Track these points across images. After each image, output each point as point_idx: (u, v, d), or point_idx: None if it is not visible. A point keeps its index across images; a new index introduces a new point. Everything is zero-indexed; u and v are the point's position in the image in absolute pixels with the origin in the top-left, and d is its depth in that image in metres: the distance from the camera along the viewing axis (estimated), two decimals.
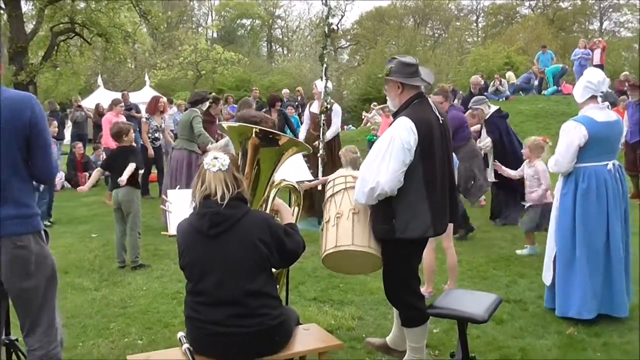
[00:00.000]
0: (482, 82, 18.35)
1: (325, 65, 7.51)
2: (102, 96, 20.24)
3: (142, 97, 21.08)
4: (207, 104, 8.52)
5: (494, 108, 8.27)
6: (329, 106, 7.61)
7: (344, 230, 3.60)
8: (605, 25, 44.56)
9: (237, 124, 3.26)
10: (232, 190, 2.80)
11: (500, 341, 4.24)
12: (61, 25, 14.22)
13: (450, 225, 5.15)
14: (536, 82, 18.40)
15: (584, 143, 4.43)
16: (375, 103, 18.87)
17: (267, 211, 3.22)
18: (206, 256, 2.79)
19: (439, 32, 50.26)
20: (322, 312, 4.81)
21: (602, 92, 4.58)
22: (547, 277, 4.79)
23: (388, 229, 3.45)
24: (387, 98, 3.70)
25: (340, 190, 3.74)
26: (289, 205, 3.58)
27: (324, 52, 7.43)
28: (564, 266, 4.60)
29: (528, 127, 15.12)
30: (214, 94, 9.49)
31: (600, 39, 18.37)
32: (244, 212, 2.82)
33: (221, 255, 2.77)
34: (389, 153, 3.33)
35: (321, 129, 7.66)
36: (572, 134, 4.48)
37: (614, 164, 4.55)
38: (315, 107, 8.30)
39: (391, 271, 3.61)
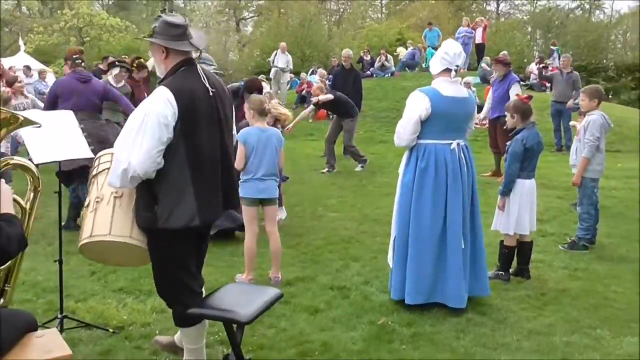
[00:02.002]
0: (369, 58, 18.33)
1: None
2: None
3: (14, 63, 19.39)
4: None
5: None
6: None
7: (102, 217, 3.08)
8: (502, 7, 45.98)
9: None
10: None
11: (305, 335, 3.89)
12: None
13: (273, 208, 4.76)
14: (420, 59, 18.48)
15: (427, 117, 4.13)
16: (263, 76, 18.26)
17: None
18: None
19: (343, 7, 49.90)
20: (121, 306, 4.28)
21: (457, 65, 4.30)
22: (389, 259, 4.51)
23: (150, 216, 2.96)
24: (154, 64, 3.18)
25: (104, 170, 3.19)
26: None
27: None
28: (401, 248, 4.33)
29: None
30: (142, 59, 8.76)
31: (482, 18, 18.68)
32: None
33: None
34: (143, 129, 2.82)
35: None
36: (414, 105, 4.18)
37: (458, 144, 4.25)
38: None
39: (158, 264, 3.12)
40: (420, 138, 4.24)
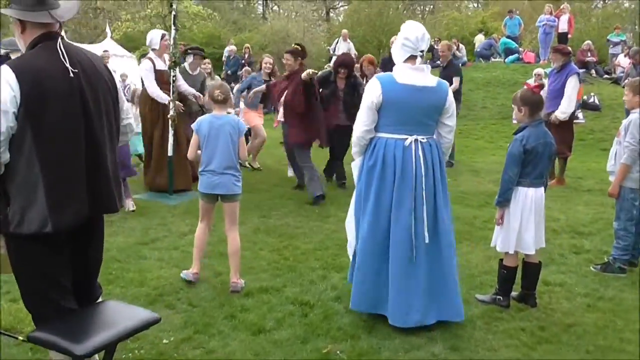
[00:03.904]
0: (439, 47, 17.29)
1: (174, 13, 6.49)
2: None
3: (100, 49, 20.07)
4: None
5: None
6: (177, 59, 6.59)
7: None
8: None
9: None
10: None
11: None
12: None
13: (231, 205, 4.28)
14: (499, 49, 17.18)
15: (379, 106, 3.61)
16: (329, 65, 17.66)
17: None
18: None
19: None
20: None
21: (422, 50, 3.68)
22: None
23: (3, 219, 2.54)
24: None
25: None
26: None
27: None
28: (354, 255, 3.90)
29: (476, 95, 14.08)
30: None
31: (567, 5, 17.06)
32: None
33: None
34: None
35: (171, 86, 6.67)
36: (367, 92, 3.68)
37: (417, 140, 3.62)
38: (162, 64, 7.08)
39: (17, 274, 2.69)
40: (375, 131, 3.71)
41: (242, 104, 8.91)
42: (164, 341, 3.52)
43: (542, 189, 4.06)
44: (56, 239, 2.58)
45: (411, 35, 3.63)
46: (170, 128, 6.72)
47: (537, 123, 3.97)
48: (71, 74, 2.52)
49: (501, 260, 4.18)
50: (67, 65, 2.52)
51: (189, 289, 4.28)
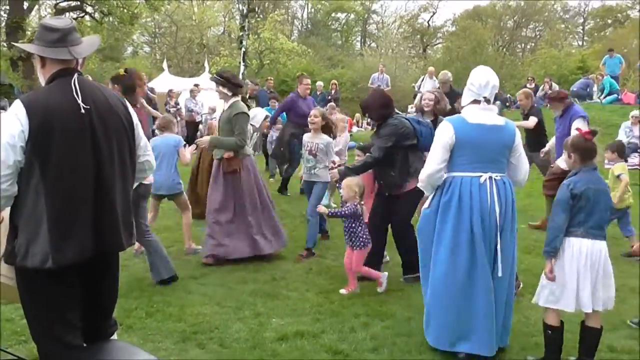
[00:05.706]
0: (532, 86, 16.70)
1: (243, 49, 6.62)
2: (166, 80, 20.24)
3: (197, 82, 20.93)
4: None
5: None
6: (244, 95, 6.68)
7: None
8: None
9: None
10: None
11: None
12: (65, 3, 14.08)
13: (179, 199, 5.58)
14: (595, 89, 16.24)
15: (452, 146, 3.81)
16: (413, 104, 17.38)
17: None
18: None
19: (540, 33, 46.56)
20: None
21: (484, 96, 3.85)
22: None
23: (10, 251, 2.59)
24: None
25: None
26: None
27: (242, 34, 6.54)
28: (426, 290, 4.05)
29: None
30: None
31: None
32: None
33: None
34: None
35: None
36: (439, 135, 3.88)
37: (491, 178, 3.75)
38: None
39: (24, 306, 2.70)
40: (448, 171, 3.89)
41: None
42: None
43: (603, 242, 3.66)
44: (63, 273, 2.58)
45: (475, 81, 3.86)
46: None
47: (589, 169, 3.67)
48: (82, 110, 2.55)
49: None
50: (79, 101, 2.55)
51: (224, 328, 4.21)
